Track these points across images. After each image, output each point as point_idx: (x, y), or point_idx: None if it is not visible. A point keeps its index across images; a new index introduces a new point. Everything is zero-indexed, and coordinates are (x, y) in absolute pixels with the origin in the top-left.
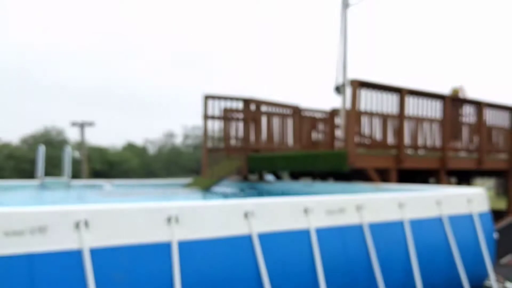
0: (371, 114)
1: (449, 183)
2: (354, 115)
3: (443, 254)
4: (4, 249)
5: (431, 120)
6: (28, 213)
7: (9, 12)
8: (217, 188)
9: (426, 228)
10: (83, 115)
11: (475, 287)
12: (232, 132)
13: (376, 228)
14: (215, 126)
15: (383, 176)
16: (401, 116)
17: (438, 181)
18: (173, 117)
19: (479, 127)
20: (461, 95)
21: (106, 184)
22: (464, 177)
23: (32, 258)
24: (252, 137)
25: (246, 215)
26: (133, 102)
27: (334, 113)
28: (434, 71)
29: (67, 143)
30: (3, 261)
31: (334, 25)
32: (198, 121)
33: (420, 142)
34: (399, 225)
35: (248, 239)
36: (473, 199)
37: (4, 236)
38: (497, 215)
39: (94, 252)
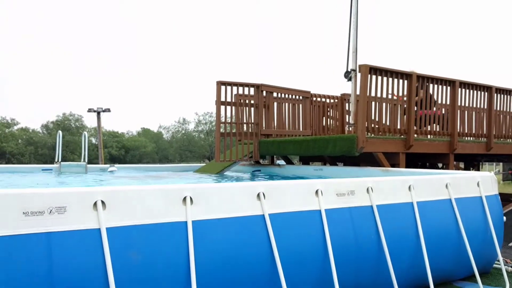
0: (381, 99)
1: (457, 167)
2: (363, 100)
3: (452, 236)
4: (24, 229)
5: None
6: (47, 194)
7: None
8: (230, 172)
9: (435, 211)
10: (100, 102)
11: (484, 269)
12: (244, 118)
13: (386, 210)
14: (228, 112)
15: (392, 160)
16: (410, 101)
17: (447, 166)
18: (186, 103)
19: (489, 111)
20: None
21: (110, 167)
22: (472, 162)
23: (50, 237)
24: (264, 122)
25: (258, 196)
26: (149, 89)
27: (344, 98)
28: (444, 57)
29: (85, 129)
30: (23, 240)
31: (344, 10)
32: (210, 108)
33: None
34: (409, 207)
35: (260, 219)
36: (482, 182)
37: (24, 216)
38: (505, 199)
39: (111, 232)
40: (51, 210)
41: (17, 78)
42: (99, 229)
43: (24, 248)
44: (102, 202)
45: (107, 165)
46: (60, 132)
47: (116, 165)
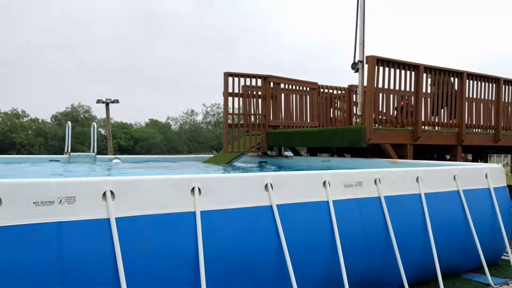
0: (388, 90)
1: (465, 159)
2: (371, 91)
3: (460, 228)
4: (34, 218)
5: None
6: (56, 184)
7: None
8: (238, 163)
9: (443, 202)
10: (109, 93)
11: (492, 261)
12: (252, 109)
13: (394, 201)
14: (235, 103)
15: (400, 152)
16: (418, 92)
17: (455, 158)
18: (194, 95)
19: (497, 102)
20: None
21: (115, 158)
22: (480, 154)
23: (60, 227)
24: (271, 113)
25: (266, 187)
26: (157, 80)
27: (351, 89)
28: (452, 48)
29: (94, 120)
30: (34, 229)
31: (352, 2)
32: (218, 99)
33: (437, 118)
34: (417, 198)
35: (268, 210)
36: (490, 174)
37: (34, 205)
38: None
39: (120, 221)
40: (61, 200)
41: (26, 69)
42: (108, 219)
43: (34, 237)
44: (111, 192)
45: (113, 156)
46: (69, 123)
47: (125, 156)
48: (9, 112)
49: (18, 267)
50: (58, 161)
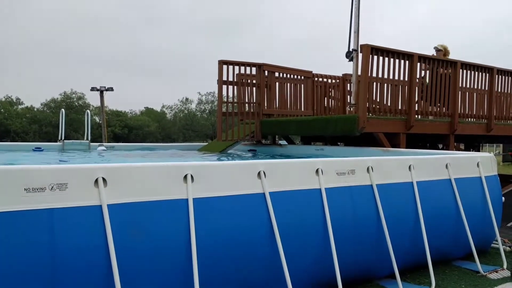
0: (382, 80)
1: (458, 148)
2: (365, 80)
3: (451, 216)
4: (25, 205)
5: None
6: (48, 171)
7: None
8: (232, 151)
9: (435, 190)
10: (103, 81)
11: (482, 248)
12: (246, 97)
13: (386, 190)
14: (230, 91)
15: (393, 141)
16: (411, 81)
17: (447, 147)
18: (189, 83)
19: (490, 92)
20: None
21: (99, 145)
22: (472, 143)
23: (52, 213)
24: (266, 102)
25: (259, 175)
26: (152, 68)
27: (345, 78)
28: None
29: (88, 108)
30: (25, 216)
31: None
32: (213, 87)
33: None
34: (409, 187)
35: (261, 197)
36: (482, 163)
37: (26, 192)
38: (504, 180)
39: (112, 208)
40: (52, 187)
41: (19, 56)
42: (100, 206)
43: (26, 224)
44: (103, 179)
45: (104, 143)
46: (63, 110)
47: (119, 144)
48: (3, 100)
49: (9, 254)
50: (42, 149)
